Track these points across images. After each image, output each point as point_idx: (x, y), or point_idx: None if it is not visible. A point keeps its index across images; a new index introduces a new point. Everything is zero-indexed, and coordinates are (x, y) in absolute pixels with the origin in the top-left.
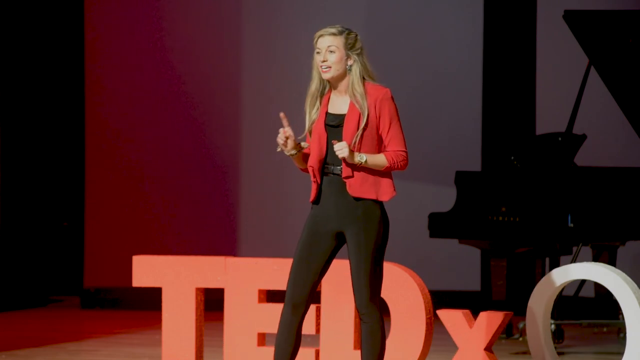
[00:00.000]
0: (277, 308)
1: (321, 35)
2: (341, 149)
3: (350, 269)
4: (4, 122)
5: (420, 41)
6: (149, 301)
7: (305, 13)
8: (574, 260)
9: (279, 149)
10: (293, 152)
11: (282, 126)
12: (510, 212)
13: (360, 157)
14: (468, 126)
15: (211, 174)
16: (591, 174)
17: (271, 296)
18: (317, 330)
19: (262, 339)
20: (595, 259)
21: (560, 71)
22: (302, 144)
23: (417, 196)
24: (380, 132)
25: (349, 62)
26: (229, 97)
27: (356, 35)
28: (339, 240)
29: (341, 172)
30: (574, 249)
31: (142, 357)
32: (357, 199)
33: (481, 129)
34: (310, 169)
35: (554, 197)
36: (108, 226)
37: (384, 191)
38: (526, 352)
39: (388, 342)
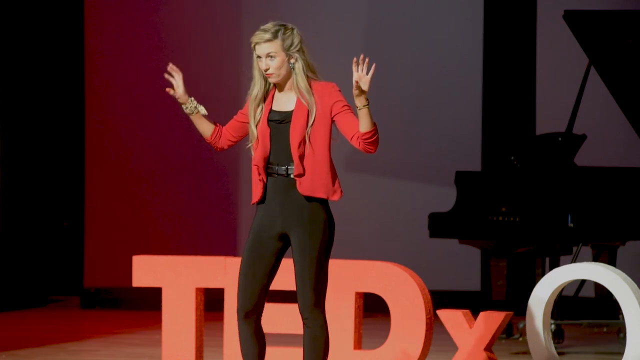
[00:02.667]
0: (278, 308)
1: (257, 43)
2: (368, 78)
3: (295, 271)
4: (4, 122)
5: (420, 41)
6: (149, 301)
7: (305, 13)
8: (574, 260)
9: (171, 91)
10: (188, 105)
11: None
12: (510, 212)
13: (366, 100)
14: (468, 126)
15: (211, 174)
16: (591, 174)
17: (271, 296)
18: None
19: None
20: (595, 259)
21: (560, 71)
22: (201, 108)
23: (417, 196)
24: (342, 119)
25: (292, 61)
26: (229, 98)
27: (292, 30)
28: (284, 241)
29: (286, 172)
30: (574, 249)
31: (142, 357)
32: (305, 200)
33: (481, 129)
34: (254, 168)
35: (554, 197)
36: (108, 226)
37: (334, 190)
38: (526, 352)
39: (388, 342)
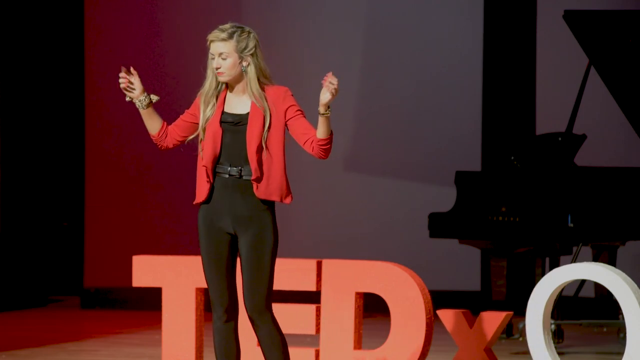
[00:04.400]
0: (278, 308)
1: (212, 41)
2: (335, 85)
3: (242, 272)
4: (4, 121)
5: (420, 41)
6: (149, 301)
7: (305, 13)
8: (574, 260)
9: (127, 99)
10: (142, 98)
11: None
12: (510, 212)
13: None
14: (468, 126)
15: None
16: (591, 174)
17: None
18: (317, 330)
19: None
20: (595, 259)
21: (560, 71)
22: (152, 96)
23: (417, 196)
24: (296, 123)
25: (244, 64)
26: None
27: (249, 34)
28: (234, 239)
29: (238, 173)
30: (574, 249)
31: (142, 357)
32: (256, 203)
33: (481, 129)
34: (203, 169)
35: (554, 197)
36: (108, 226)
37: (286, 194)
38: (526, 352)
39: (388, 342)
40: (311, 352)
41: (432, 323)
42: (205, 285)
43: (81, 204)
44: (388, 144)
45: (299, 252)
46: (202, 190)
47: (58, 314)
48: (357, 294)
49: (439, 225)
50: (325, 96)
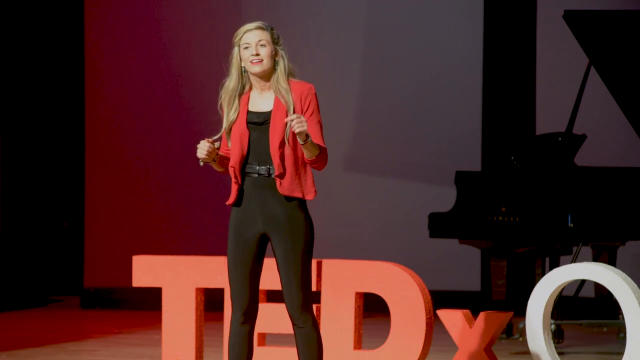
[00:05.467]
0: (278, 308)
1: (248, 30)
2: (301, 121)
3: (280, 273)
4: (4, 122)
5: (420, 41)
6: (149, 301)
7: (305, 13)
8: (574, 260)
9: (202, 163)
10: (215, 159)
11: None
12: (510, 212)
13: (309, 135)
14: (468, 126)
15: (211, 173)
16: (591, 174)
17: (271, 296)
18: None
19: (262, 338)
20: (595, 259)
21: (560, 71)
22: (215, 144)
23: (417, 196)
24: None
25: (277, 58)
26: None
27: (277, 31)
28: (264, 241)
29: (267, 171)
30: (574, 249)
31: (142, 357)
32: (284, 200)
33: (481, 129)
34: (231, 170)
35: (554, 197)
36: (108, 226)
37: (308, 190)
38: (526, 352)
39: (388, 342)
40: None
41: (432, 323)
42: (205, 285)
43: (81, 204)
44: (388, 144)
45: None
46: (232, 192)
47: (58, 314)
48: (357, 294)
49: (439, 225)
50: (297, 133)
